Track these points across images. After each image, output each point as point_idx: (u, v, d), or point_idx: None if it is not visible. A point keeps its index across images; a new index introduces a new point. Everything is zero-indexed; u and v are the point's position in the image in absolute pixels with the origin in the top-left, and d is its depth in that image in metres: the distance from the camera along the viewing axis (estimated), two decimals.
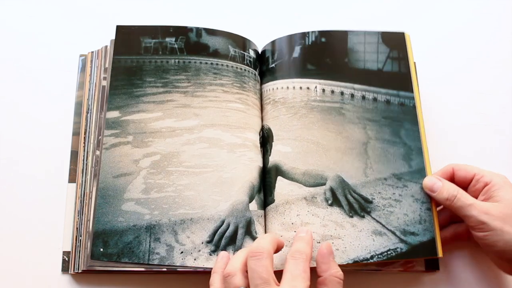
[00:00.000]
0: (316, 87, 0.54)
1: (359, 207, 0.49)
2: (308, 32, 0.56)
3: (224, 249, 0.48)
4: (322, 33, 0.56)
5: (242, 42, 0.56)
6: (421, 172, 0.50)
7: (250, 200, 0.50)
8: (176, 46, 0.55)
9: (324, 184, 0.50)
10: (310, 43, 0.56)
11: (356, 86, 0.54)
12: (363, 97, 0.54)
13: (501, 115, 0.60)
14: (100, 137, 0.52)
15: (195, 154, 0.51)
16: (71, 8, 0.63)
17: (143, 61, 0.54)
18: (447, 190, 0.47)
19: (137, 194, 0.49)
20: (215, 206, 0.49)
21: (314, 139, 0.52)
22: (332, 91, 0.54)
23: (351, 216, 0.49)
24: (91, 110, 0.54)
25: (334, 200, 0.50)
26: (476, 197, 0.47)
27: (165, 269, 0.47)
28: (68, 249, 0.51)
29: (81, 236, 0.50)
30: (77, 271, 0.49)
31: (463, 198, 0.45)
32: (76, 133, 0.55)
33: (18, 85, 0.58)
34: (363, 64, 0.55)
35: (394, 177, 0.51)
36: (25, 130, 0.56)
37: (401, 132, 0.52)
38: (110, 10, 0.63)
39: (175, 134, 0.52)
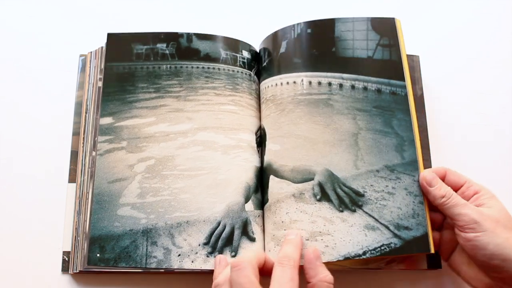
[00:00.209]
0: (302, 80, 0.53)
1: (349, 201, 0.47)
2: (294, 25, 0.55)
3: (221, 250, 0.48)
4: (307, 24, 0.54)
5: (234, 44, 0.57)
6: (414, 164, 0.48)
7: (246, 201, 0.50)
8: (167, 51, 0.56)
9: (312, 179, 0.49)
10: (296, 36, 0.54)
11: (345, 75, 0.52)
12: (353, 87, 0.52)
13: (501, 115, 0.60)
14: (96, 138, 0.53)
15: (189, 158, 0.51)
16: (71, 8, 0.63)
17: (135, 67, 0.55)
18: (444, 188, 0.45)
19: (133, 198, 0.50)
20: (210, 208, 0.49)
21: (301, 134, 0.51)
22: (319, 83, 0.52)
23: (341, 211, 0.47)
24: (88, 110, 0.55)
25: (323, 195, 0.48)
26: None
27: (163, 270, 0.48)
28: (68, 249, 0.51)
29: (79, 236, 0.51)
30: (76, 271, 0.49)
31: (457, 197, 0.45)
32: (76, 133, 0.56)
33: (18, 85, 0.59)
34: (352, 53, 0.53)
35: (386, 169, 0.48)
36: (25, 130, 0.56)
37: (393, 122, 0.50)
38: (110, 10, 0.64)
39: (169, 139, 0.52)
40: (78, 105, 0.57)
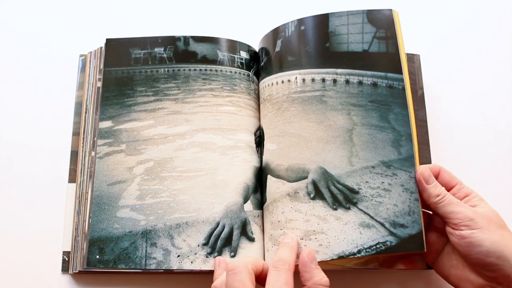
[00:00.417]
0: (296, 78, 0.52)
1: (343, 198, 0.46)
2: (288, 23, 0.54)
3: (220, 250, 0.48)
4: (301, 21, 0.53)
5: (231, 45, 0.57)
6: (410, 159, 0.46)
7: (245, 201, 0.50)
8: (165, 55, 0.56)
9: (306, 177, 0.48)
10: (290, 34, 0.54)
11: (339, 70, 0.51)
12: (347, 81, 0.50)
13: (501, 115, 0.60)
14: (95, 139, 0.53)
15: (188, 159, 0.52)
16: (71, 8, 0.64)
17: (133, 71, 0.55)
18: (439, 187, 0.44)
19: (132, 200, 0.50)
20: (209, 208, 0.49)
21: (295, 132, 0.50)
22: (313, 79, 0.51)
23: (335, 209, 0.46)
24: (88, 110, 0.56)
25: (317, 193, 0.47)
26: None
27: (162, 270, 0.48)
28: (68, 249, 0.51)
29: (79, 236, 0.51)
30: (75, 271, 0.50)
31: (451, 196, 0.44)
32: (76, 133, 0.56)
33: (18, 85, 0.59)
34: (346, 47, 0.51)
35: (382, 165, 0.47)
36: (25, 130, 0.57)
37: (390, 117, 0.48)
38: (110, 10, 0.64)
39: (168, 141, 0.52)
40: (78, 105, 0.57)
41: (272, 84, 0.53)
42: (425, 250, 0.43)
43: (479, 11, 0.65)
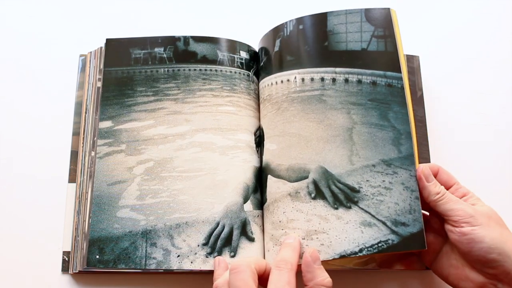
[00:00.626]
0: (295, 77, 0.52)
1: (344, 197, 0.46)
2: (286, 23, 0.54)
3: (220, 250, 0.47)
4: (299, 20, 0.53)
5: (231, 46, 0.56)
6: (410, 158, 0.46)
7: (245, 201, 0.49)
8: (165, 55, 0.56)
9: (307, 177, 0.48)
10: (288, 34, 0.54)
11: (338, 69, 0.51)
12: (346, 80, 0.50)
13: (501, 115, 0.60)
14: (95, 139, 0.53)
15: (187, 159, 0.51)
16: (71, 8, 0.63)
17: (133, 71, 0.55)
18: (439, 185, 0.44)
19: (132, 200, 0.50)
20: (209, 208, 0.49)
21: (295, 132, 0.50)
22: (312, 79, 0.51)
23: (336, 208, 0.46)
24: (88, 110, 0.56)
25: (317, 193, 0.47)
26: None
27: (162, 270, 0.48)
28: (68, 249, 0.51)
29: (79, 236, 0.51)
30: (75, 271, 0.49)
31: (450, 194, 0.44)
32: (76, 133, 0.56)
33: (18, 85, 0.59)
34: (345, 46, 0.51)
35: (383, 163, 0.47)
36: (25, 130, 0.56)
37: (389, 115, 0.48)
38: (110, 10, 0.64)
39: (168, 141, 0.52)
40: (78, 105, 0.57)
41: (272, 84, 0.53)
42: (426, 248, 0.43)
43: (478, 11, 0.65)
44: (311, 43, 0.52)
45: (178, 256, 0.47)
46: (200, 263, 0.47)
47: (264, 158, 0.51)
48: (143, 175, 0.51)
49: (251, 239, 0.48)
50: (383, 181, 0.46)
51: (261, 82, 0.55)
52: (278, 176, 0.49)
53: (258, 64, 0.57)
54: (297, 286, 0.40)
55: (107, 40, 0.56)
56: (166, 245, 0.48)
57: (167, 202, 0.49)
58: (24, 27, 0.62)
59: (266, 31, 0.56)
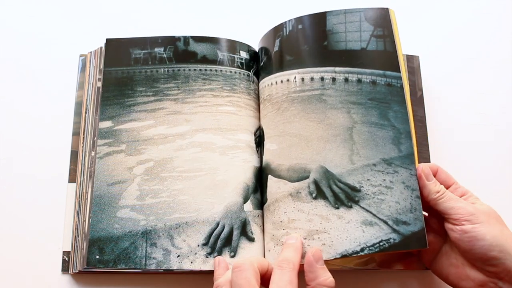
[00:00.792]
0: (295, 77, 0.52)
1: (345, 197, 0.46)
2: (285, 22, 0.54)
3: (220, 250, 0.47)
4: (298, 20, 0.53)
5: (231, 46, 0.56)
6: (410, 157, 0.46)
7: (245, 201, 0.49)
8: (165, 55, 0.56)
9: (308, 177, 0.47)
10: (287, 34, 0.54)
11: (338, 69, 0.50)
12: (346, 80, 0.50)
13: (501, 115, 0.59)
14: (95, 139, 0.53)
15: (187, 159, 0.51)
16: (71, 8, 0.63)
17: (133, 71, 0.55)
18: (439, 184, 0.44)
19: (132, 200, 0.50)
20: (209, 208, 0.49)
21: (296, 132, 0.49)
22: (312, 78, 0.51)
23: (337, 208, 0.45)
24: (88, 110, 0.55)
25: (318, 193, 0.47)
26: None
27: (162, 270, 0.47)
28: (68, 249, 0.51)
29: (79, 236, 0.50)
30: (75, 271, 0.49)
31: (450, 193, 0.44)
32: (76, 133, 0.56)
33: (18, 85, 0.59)
34: (344, 45, 0.51)
35: (384, 163, 0.46)
36: (25, 130, 0.56)
37: (389, 114, 0.48)
38: (110, 10, 0.64)
39: (168, 141, 0.52)
40: (78, 105, 0.57)
41: (272, 84, 0.53)
42: (428, 247, 0.43)
43: (478, 11, 0.65)
44: (311, 43, 0.52)
45: (178, 256, 0.47)
46: (200, 263, 0.47)
47: (264, 158, 0.51)
48: (143, 175, 0.50)
49: (251, 239, 0.48)
50: (384, 180, 0.46)
51: (261, 82, 0.55)
52: (278, 176, 0.49)
53: (258, 64, 0.57)
54: (299, 286, 0.39)
55: (107, 40, 0.56)
56: (166, 245, 0.47)
57: (167, 202, 0.49)
58: (24, 27, 0.62)
59: (266, 31, 0.56)
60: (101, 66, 0.56)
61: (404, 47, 0.56)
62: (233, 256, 0.47)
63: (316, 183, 0.47)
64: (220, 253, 0.47)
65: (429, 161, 0.55)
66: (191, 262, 0.47)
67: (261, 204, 0.50)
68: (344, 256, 0.43)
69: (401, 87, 0.49)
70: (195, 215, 0.49)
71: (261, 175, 0.52)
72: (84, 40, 0.60)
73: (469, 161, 0.57)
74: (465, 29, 0.64)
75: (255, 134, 0.53)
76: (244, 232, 0.48)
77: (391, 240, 0.43)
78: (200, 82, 0.55)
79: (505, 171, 0.57)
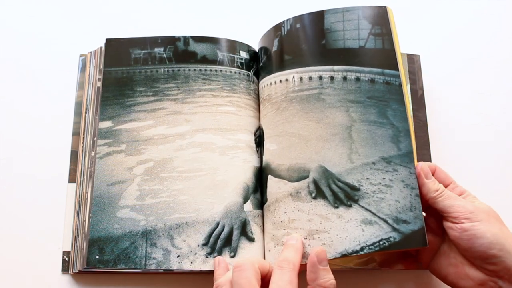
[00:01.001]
0: (293, 77, 0.52)
1: (345, 196, 0.45)
2: (284, 22, 0.54)
3: (220, 251, 0.47)
4: (296, 19, 0.53)
5: (231, 46, 0.57)
6: (409, 155, 0.46)
7: (245, 201, 0.49)
8: (165, 55, 0.56)
9: (307, 177, 0.47)
10: (286, 33, 0.54)
11: (336, 67, 0.50)
12: (344, 78, 0.50)
13: (502, 115, 0.59)
14: (95, 139, 0.53)
15: (187, 159, 0.51)
16: (71, 8, 0.63)
17: (133, 71, 0.55)
18: (438, 182, 0.44)
19: (132, 200, 0.50)
20: (209, 209, 0.49)
21: (295, 131, 0.49)
22: (310, 78, 0.51)
23: (337, 207, 0.45)
24: (88, 110, 0.55)
25: (318, 192, 0.46)
26: None
27: (162, 270, 0.47)
28: (68, 249, 0.51)
29: (79, 236, 0.51)
30: (75, 271, 0.49)
31: (449, 192, 0.44)
32: (76, 133, 0.56)
33: (18, 85, 0.59)
34: (342, 44, 0.51)
35: (383, 161, 0.46)
36: (25, 130, 0.56)
37: (388, 113, 0.48)
38: (110, 10, 0.64)
39: (167, 141, 0.52)
40: (78, 105, 0.57)
41: (271, 83, 0.53)
42: (428, 246, 0.43)
43: (479, 12, 0.65)
44: (309, 42, 0.52)
45: (178, 256, 0.47)
46: (200, 263, 0.47)
47: (264, 158, 0.51)
48: (143, 175, 0.51)
49: (251, 239, 0.48)
50: (383, 178, 0.46)
51: (261, 82, 0.55)
52: (278, 176, 0.49)
53: (258, 64, 0.57)
54: (300, 286, 0.39)
55: (107, 40, 0.56)
56: (166, 245, 0.47)
57: (167, 202, 0.49)
58: (24, 27, 0.62)
59: (265, 31, 0.56)
60: (101, 66, 0.56)
61: (405, 47, 0.57)
62: (233, 256, 0.47)
63: (315, 182, 0.47)
64: (220, 253, 0.47)
65: (430, 161, 0.54)
66: (191, 262, 0.47)
67: (261, 204, 0.50)
68: (344, 256, 0.43)
69: (400, 85, 0.49)
70: (195, 215, 0.49)
71: (261, 175, 0.51)
72: (84, 40, 0.61)
73: (470, 162, 0.56)
74: (465, 30, 0.64)
75: (255, 134, 0.54)
76: (244, 232, 0.48)
77: (391, 239, 0.43)
78: (200, 82, 0.55)
79: (506, 172, 0.56)
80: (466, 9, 0.65)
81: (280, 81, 0.52)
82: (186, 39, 0.57)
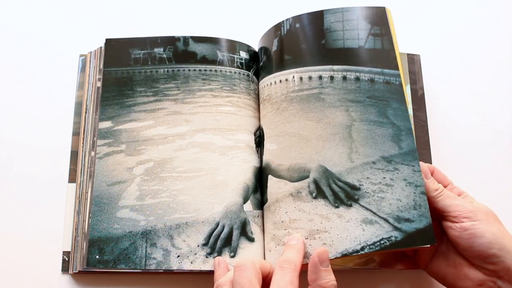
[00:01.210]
0: (293, 77, 0.52)
1: (345, 195, 0.45)
2: (283, 21, 0.54)
3: (220, 251, 0.47)
4: (296, 19, 0.53)
5: (231, 46, 0.57)
6: (413, 153, 0.45)
7: (245, 201, 0.49)
8: (164, 55, 0.56)
9: (308, 177, 0.47)
10: (285, 33, 0.54)
11: (335, 67, 0.50)
12: (344, 78, 0.50)
13: (500, 115, 0.59)
14: (95, 139, 0.53)
15: (187, 159, 0.51)
16: (71, 8, 0.63)
17: (133, 72, 0.56)
18: (437, 182, 0.44)
19: (132, 201, 0.50)
20: (209, 209, 0.49)
21: (295, 131, 0.49)
22: (310, 77, 0.51)
23: (337, 207, 0.45)
24: (88, 110, 0.55)
25: (318, 192, 0.46)
26: None
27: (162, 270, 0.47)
28: (68, 249, 0.51)
29: (79, 236, 0.50)
30: (75, 271, 0.49)
31: (448, 191, 0.45)
32: (76, 133, 0.56)
33: (18, 85, 0.59)
34: (342, 43, 0.51)
35: (383, 160, 0.46)
36: (25, 130, 0.56)
37: (388, 112, 0.48)
38: (110, 10, 0.64)
39: (167, 141, 0.52)
40: (78, 105, 0.57)
41: (271, 83, 0.53)
42: (436, 244, 0.42)
43: (478, 11, 0.65)
44: (309, 42, 0.52)
45: (178, 256, 0.47)
46: (200, 263, 0.47)
47: (264, 158, 0.51)
48: (143, 176, 0.51)
49: (251, 239, 0.48)
50: (384, 177, 0.46)
51: (260, 82, 0.55)
52: (279, 176, 0.49)
53: (258, 64, 0.57)
54: (301, 286, 0.39)
55: (107, 40, 0.56)
56: (166, 245, 0.47)
57: (167, 202, 0.49)
58: (24, 27, 0.62)
59: (265, 31, 0.56)
60: (101, 66, 0.56)
61: (403, 46, 0.57)
62: (233, 256, 0.47)
63: (316, 182, 0.47)
64: (220, 253, 0.47)
65: (430, 161, 0.54)
66: (191, 262, 0.47)
67: (261, 204, 0.50)
68: (344, 255, 0.43)
69: (400, 84, 0.49)
70: (195, 215, 0.49)
71: (261, 175, 0.51)
72: (84, 40, 0.61)
73: (468, 161, 0.57)
74: (463, 29, 0.64)
75: (255, 134, 0.54)
76: (244, 232, 0.48)
77: (392, 238, 0.43)
78: (200, 82, 0.55)
79: (504, 171, 0.56)
80: (465, 9, 0.66)
81: (280, 81, 0.52)
82: (186, 39, 0.57)
